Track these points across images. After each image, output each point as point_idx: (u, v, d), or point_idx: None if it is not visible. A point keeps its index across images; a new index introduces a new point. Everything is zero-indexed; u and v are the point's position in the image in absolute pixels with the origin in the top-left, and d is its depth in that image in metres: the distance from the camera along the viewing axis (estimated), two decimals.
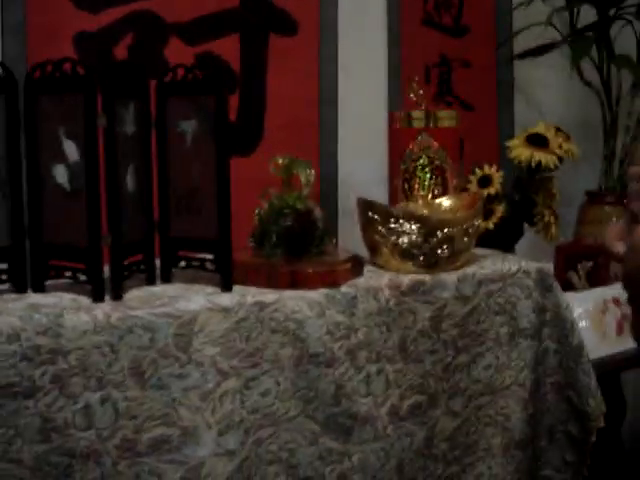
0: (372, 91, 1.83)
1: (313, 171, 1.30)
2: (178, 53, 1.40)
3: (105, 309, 1.08)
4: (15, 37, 1.45)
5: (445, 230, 1.26)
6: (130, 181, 1.21)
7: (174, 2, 1.66)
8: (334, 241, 1.37)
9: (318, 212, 1.31)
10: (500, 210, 1.60)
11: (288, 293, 1.14)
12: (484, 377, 1.31)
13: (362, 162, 1.80)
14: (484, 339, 1.31)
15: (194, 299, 1.11)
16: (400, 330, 1.21)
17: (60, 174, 1.17)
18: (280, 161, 1.33)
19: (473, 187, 1.63)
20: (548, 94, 2.03)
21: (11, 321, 0.96)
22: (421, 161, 1.47)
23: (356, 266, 1.25)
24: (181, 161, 1.26)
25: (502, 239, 1.60)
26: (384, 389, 1.19)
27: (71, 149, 1.16)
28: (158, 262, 1.22)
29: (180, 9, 1.69)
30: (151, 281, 1.28)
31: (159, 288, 1.24)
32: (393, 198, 1.48)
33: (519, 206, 1.67)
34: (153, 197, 1.27)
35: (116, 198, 1.17)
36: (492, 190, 1.60)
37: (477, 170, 1.66)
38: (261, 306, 1.12)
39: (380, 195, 1.48)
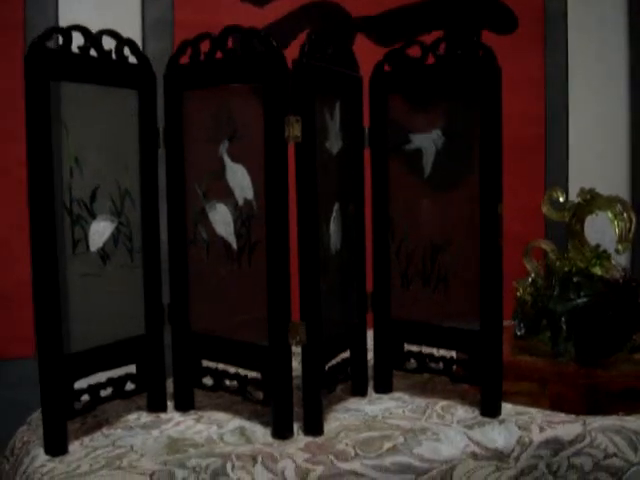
0: (609, 102, 1.49)
1: (634, 217, 0.78)
2: (365, 56, 0.93)
3: (297, 458, 0.65)
4: (157, 35, 1.20)
5: None
6: (335, 232, 0.73)
7: None
8: None
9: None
10: None
11: (594, 422, 0.73)
12: None
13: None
14: None
15: (446, 436, 0.69)
16: None
17: (221, 219, 0.71)
18: (561, 196, 0.82)
19: None
20: None
21: None
22: None
23: None
24: (415, 199, 0.77)
25: None
26: None
27: (238, 177, 0.69)
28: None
29: None
30: (360, 391, 0.79)
31: (377, 408, 0.75)
32: None
33: None
34: (366, 256, 0.78)
35: (314, 263, 0.68)
36: None
37: None
38: (555, 447, 0.70)
39: None
